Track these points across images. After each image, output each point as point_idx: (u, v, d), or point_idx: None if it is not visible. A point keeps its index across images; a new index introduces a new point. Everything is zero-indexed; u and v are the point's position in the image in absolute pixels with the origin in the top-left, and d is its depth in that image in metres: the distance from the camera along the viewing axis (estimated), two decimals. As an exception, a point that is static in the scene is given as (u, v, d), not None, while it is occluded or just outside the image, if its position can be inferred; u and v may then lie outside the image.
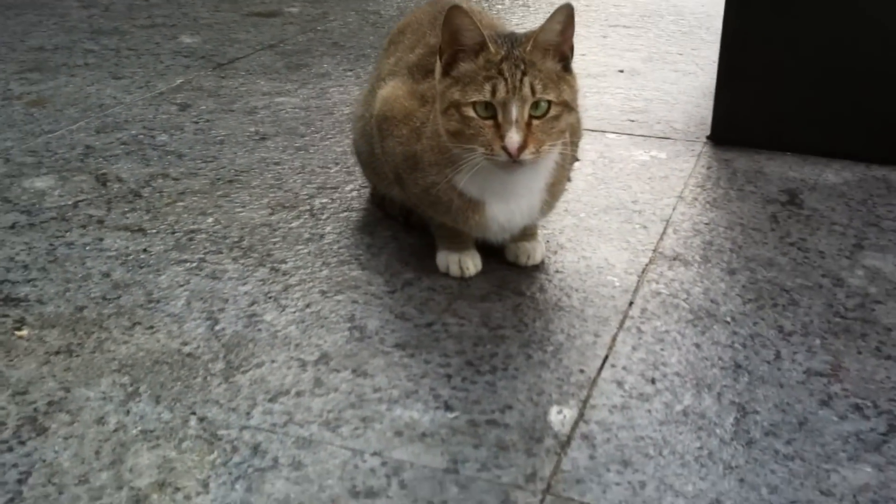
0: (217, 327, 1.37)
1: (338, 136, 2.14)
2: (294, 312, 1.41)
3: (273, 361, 1.28)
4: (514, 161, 1.30)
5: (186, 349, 1.31)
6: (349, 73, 2.61)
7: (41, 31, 3.04)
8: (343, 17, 3.32)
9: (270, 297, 1.45)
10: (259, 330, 1.36)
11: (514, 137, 1.29)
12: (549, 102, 1.32)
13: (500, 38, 1.35)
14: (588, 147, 2.08)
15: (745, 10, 2.04)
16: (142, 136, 2.12)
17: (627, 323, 1.40)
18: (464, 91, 1.32)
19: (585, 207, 1.78)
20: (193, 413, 1.17)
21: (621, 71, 2.66)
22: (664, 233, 1.69)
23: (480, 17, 1.60)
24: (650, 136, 2.16)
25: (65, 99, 2.37)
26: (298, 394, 1.21)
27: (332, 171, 1.94)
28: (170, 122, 2.22)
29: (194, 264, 1.55)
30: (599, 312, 1.43)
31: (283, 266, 1.55)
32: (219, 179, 1.89)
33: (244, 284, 1.49)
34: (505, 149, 1.30)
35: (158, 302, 1.44)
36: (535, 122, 1.32)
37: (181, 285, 1.48)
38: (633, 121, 2.26)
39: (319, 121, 2.24)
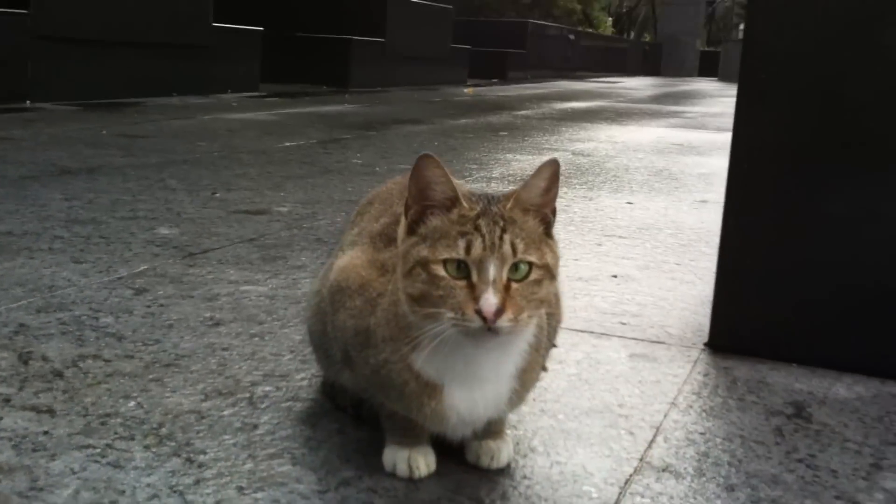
0: (101, 524, 1.12)
1: (300, 325, 1.95)
2: (199, 512, 1.16)
3: (157, 569, 1.03)
4: (488, 329, 1.11)
5: (55, 549, 1.06)
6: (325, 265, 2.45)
7: (15, 218, 2.93)
8: (332, 216, 3.22)
9: (176, 492, 1.21)
10: (151, 530, 1.12)
11: (490, 300, 1.10)
12: (531, 265, 1.15)
13: (475, 196, 1.20)
14: (573, 348, 1.88)
15: (745, 214, 1.90)
16: (84, 318, 1.94)
17: (603, 542, 1.15)
18: (433, 248, 1.15)
19: (565, 409, 1.56)
20: None
21: (615, 276, 2.50)
22: (653, 440, 1.46)
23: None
24: (642, 340, 1.97)
25: (14, 279, 2.21)
26: None
27: (284, 358, 1.74)
28: (120, 305, 2.04)
29: (97, 451, 1.32)
30: (570, 527, 1.18)
31: (201, 457, 1.32)
32: (155, 363, 1.69)
33: (149, 476, 1.25)
34: (479, 312, 1.10)
35: (41, 490, 1.20)
36: (515, 285, 1.14)
37: (74, 472, 1.25)
38: (624, 324, 2.07)
39: (284, 309, 2.06)
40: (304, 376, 1.65)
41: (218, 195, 3.53)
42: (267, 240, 2.78)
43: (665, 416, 1.56)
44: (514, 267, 1.14)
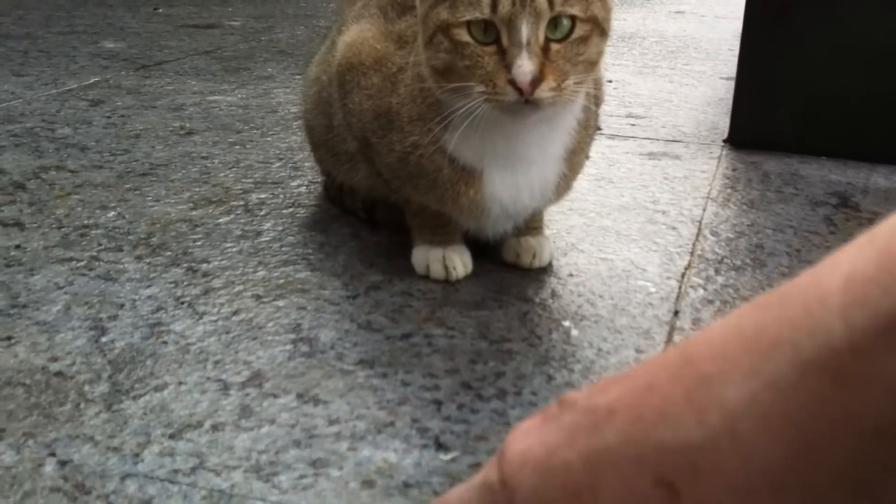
0: (103, 339, 0.95)
1: (282, 134, 1.75)
2: (216, 321, 1.00)
3: (181, 383, 0.87)
4: (526, 101, 0.93)
5: (55, 367, 0.89)
6: (298, 77, 2.23)
7: (-61, 35, 2.62)
8: (291, 29, 2.96)
9: (183, 303, 1.04)
10: (164, 343, 0.95)
11: (524, 66, 0.91)
12: (574, 18, 0.95)
13: None
14: (587, 146, 1.72)
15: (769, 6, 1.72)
16: (38, 129, 1.71)
17: (676, 337, 1.02)
18: (454, 7, 0.95)
19: (595, 207, 1.41)
20: (52, 454, 0.76)
21: (610, 81, 2.32)
22: (699, 234, 1.32)
23: None
24: (657, 139, 1.81)
25: (-50, 93, 1.96)
26: (215, 427, 0.80)
27: (273, 166, 1.55)
28: (76, 116, 1.81)
29: (82, 263, 1.14)
30: (637, 323, 1.05)
31: (205, 266, 1.14)
32: (128, 172, 1.49)
33: (148, 287, 1.08)
34: (513, 82, 0.92)
35: (25, 307, 1.02)
36: (556, 45, 0.94)
37: (60, 287, 1.07)
38: (634, 125, 1.91)
39: (260, 118, 1.85)
40: (301, 183, 1.47)
41: (160, 10, 3.23)
42: (225, 52, 2.54)
43: (704, 210, 1.42)
44: (553, 23, 0.94)
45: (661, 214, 1.40)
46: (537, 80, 0.92)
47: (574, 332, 1.01)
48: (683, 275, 1.19)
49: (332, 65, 1.19)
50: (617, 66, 2.53)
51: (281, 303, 1.05)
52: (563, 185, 1.11)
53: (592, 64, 0.99)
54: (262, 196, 1.40)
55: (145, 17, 3.09)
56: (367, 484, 0.73)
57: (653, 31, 3.16)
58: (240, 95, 2.04)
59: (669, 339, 1.01)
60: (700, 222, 1.37)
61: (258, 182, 1.46)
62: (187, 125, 1.78)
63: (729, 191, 1.52)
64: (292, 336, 0.97)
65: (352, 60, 1.13)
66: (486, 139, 1.01)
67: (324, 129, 1.26)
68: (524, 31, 0.92)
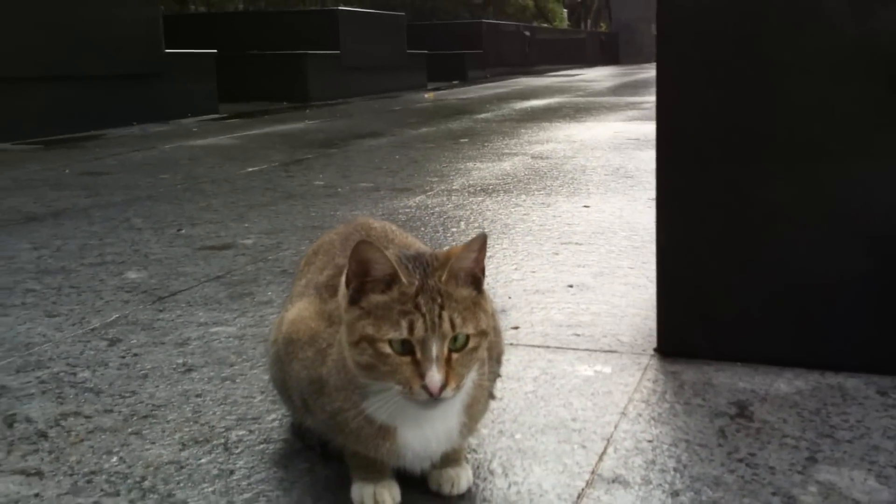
0: (93, 582, 1.21)
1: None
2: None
3: None
4: (435, 400, 1.22)
5: None
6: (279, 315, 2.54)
7: (-14, 273, 3.00)
8: (297, 245, 3.31)
9: (161, 544, 1.30)
10: (140, 583, 1.21)
11: (435, 377, 1.21)
12: (468, 336, 1.25)
13: (411, 264, 1.29)
14: (530, 364, 1.99)
15: (678, 215, 2.01)
16: (62, 374, 2.02)
17: (557, 556, 1.26)
18: (378, 326, 1.25)
19: (521, 428, 1.67)
20: None
21: (570, 286, 2.61)
22: (604, 452, 1.57)
23: (385, 232, 1.55)
24: (595, 351, 2.07)
25: (-8, 338, 2.29)
26: None
27: (255, 400, 1.83)
28: (95, 358, 2.12)
29: (85, 510, 1.41)
30: (526, 546, 1.28)
31: (182, 508, 1.41)
32: (133, 415, 1.78)
33: (135, 530, 1.35)
34: (426, 388, 1.21)
35: (34, 555, 1.29)
36: (455, 355, 1.25)
37: (64, 534, 1.34)
38: (578, 335, 2.18)
39: (252, 349, 2.15)
40: (275, 417, 1.74)
41: (183, 231, 3.61)
42: (234, 276, 2.87)
43: (615, 427, 1.67)
44: (454, 339, 1.25)
45: (577, 434, 1.64)
46: (444, 385, 1.22)
47: (471, 557, 1.25)
48: (580, 495, 1.43)
49: (279, 337, 1.49)
50: (581, 267, 2.82)
51: (238, 541, 1.31)
52: (466, 431, 1.37)
53: (482, 361, 1.30)
54: (241, 433, 1.68)
55: (169, 240, 3.46)
56: None
57: (626, 225, 3.47)
58: (239, 325, 2.35)
59: (549, 559, 1.25)
60: (609, 439, 1.62)
61: (240, 419, 1.74)
62: (189, 361, 2.08)
63: (643, 405, 1.77)
64: (242, 572, 1.22)
65: (292, 336, 1.43)
66: (398, 407, 1.29)
67: (281, 381, 1.54)
68: (434, 349, 1.23)
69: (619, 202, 3.97)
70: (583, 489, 1.44)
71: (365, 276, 1.27)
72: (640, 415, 1.72)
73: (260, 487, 1.47)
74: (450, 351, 1.24)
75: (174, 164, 5.73)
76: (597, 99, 11.26)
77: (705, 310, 2.01)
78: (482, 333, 1.27)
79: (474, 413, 1.37)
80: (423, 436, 1.33)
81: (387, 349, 1.23)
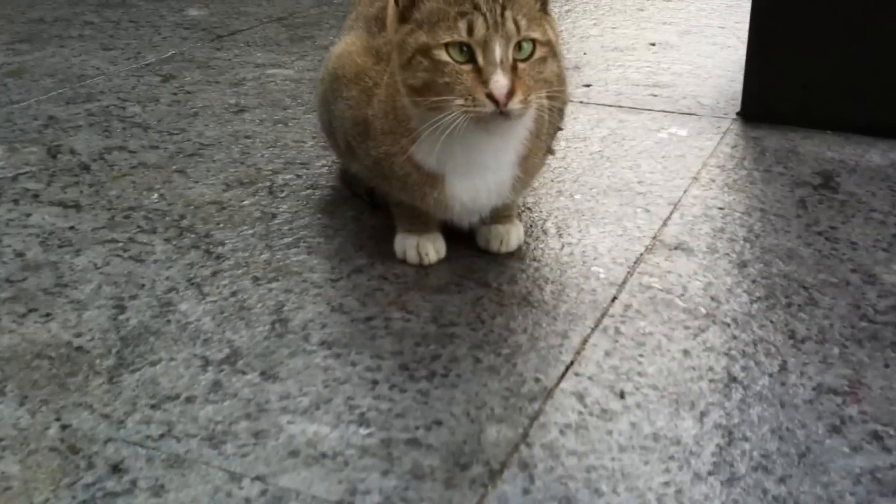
0: (121, 317, 1.18)
1: (324, 109, 1.94)
2: (215, 301, 1.21)
3: (172, 359, 1.09)
4: (500, 112, 1.08)
5: (77, 342, 1.12)
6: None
7: (46, 4, 2.90)
8: (364, -11, 3.12)
9: (193, 284, 1.26)
10: (168, 321, 1.17)
11: (501, 81, 1.07)
12: (535, 42, 1.10)
13: None
14: (599, 124, 1.85)
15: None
16: (112, 108, 1.95)
17: (605, 322, 1.17)
18: (433, 32, 1.10)
19: (582, 188, 1.55)
20: (58, 419, 0.98)
21: (653, 44, 2.41)
22: (669, 218, 1.45)
23: None
24: (672, 112, 1.92)
25: (45, 69, 2.21)
26: (188, 399, 1.01)
27: (306, 145, 1.74)
28: (147, 93, 2.04)
29: (120, 244, 1.37)
30: (574, 309, 1.20)
31: (220, 249, 1.35)
32: (179, 153, 1.71)
33: (169, 268, 1.30)
34: (490, 96, 1.07)
35: (66, 286, 1.25)
36: (521, 65, 1.10)
37: (97, 268, 1.30)
38: (655, 95, 2.02)
39: (308, 93, 2.04)
40: (324, 163, 1.65)
41: (250, -30, 3.43)
42: (296, 18, 2.72)
43: (685, 191, 1.54)
44: (518, 46, 1.10)
45: (642, 196, 1.53)
46: (511, 93, 1.08)
47: (517, 317, 1.18)
48: (637, 261, 1.33)
49: (325, 75, 1.37)
50: (667, 24, 2.60)
51: (273, 285, 1.25)
52: (520, 186, 1.26)
53: (549, 83, 1.15)
54: (288, 177, 1.60)
55: (233, -23, 3.29)
56: (293, 454, 0.93)
57: (721, -19, 3.17)
58: (297, 67, 2.23)
59: (596, 326, 1.17)
60: (675, 204, 1.50)
61: (288, 162, 1.66)
62: (241, 102, 1.98)
63: (718, 171, 1.63)
64: (273, 317, 1.17)
65: (337, 72, 1.31)
66: (447, 149, 1.17)
67: (327, 122, 1.44)
68: (498, 51, 1.08)
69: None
70: (641, 254, 1.34)
71: None
72: (713, 180, 1.59)
73: (301, 233, 1.40)
74: (515, 60, 1.10)
75: None
76: None
77: (797, 70, 1.81)
78: (550, 45, 1.12)
79: (529, 166, 1.25)
80: (473, 186, 1.22)
81: (444, 56, 1.09)
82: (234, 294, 1.23)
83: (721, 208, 1.49)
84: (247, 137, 1.78)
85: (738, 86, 2.03)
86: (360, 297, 1.22)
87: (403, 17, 1.14)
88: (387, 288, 1.25)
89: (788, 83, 1.83)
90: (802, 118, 1.82)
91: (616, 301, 1.22)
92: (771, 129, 1.82)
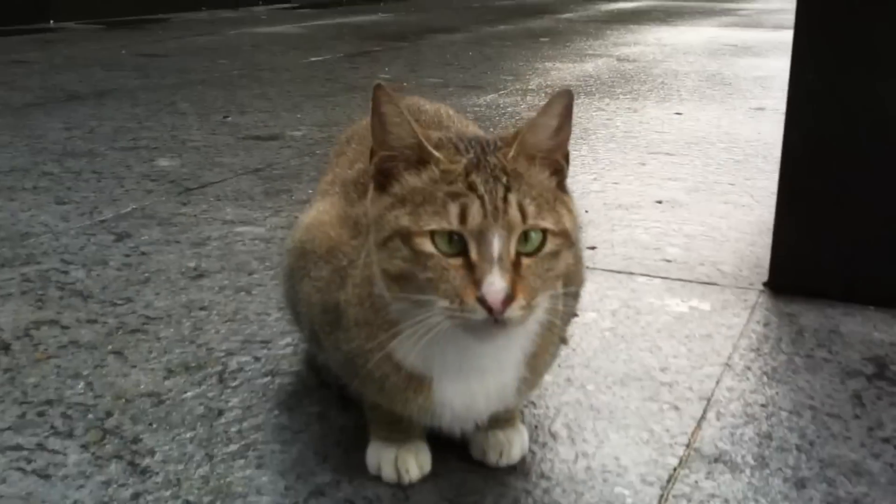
0: (4, 563, 0.90)
1: (294, 275, 1.70)
2: (131, 539, 0.93)
3: None
4: (495, 321, 0.84)
5: None
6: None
7: (6, 152, 2.70)
8: (348, 140, 2.94)
9: (107, 512, 0.98)
10: (64, 570, 0.89)
11: (497, 284, 0.84)
12: (546, 232, 0.87)
13: (463, 143, 0.91)
14: (609, 293, 1.61)
15: (814, 110, 1.58)
16: (52, 272, 1.71)
17: (638, 571, 0.90)
18: (416, 215, 0.88)
19: (596, 376, 1.30)
20: None
21: (659, 202, 2.21)
22: (703, 418, 1.20)
23: (438, 116, 1.18)
24: (690, 282, 1.69)
25: (-14, 225, 1.99)
26: None
27: (270, 318, 1.50)
28: (96, 254, 1.81)
29: (25, 454, 1.10)
30: (596, 551, 0.93)
31: (147, 460, 1.08)
32: (119, 328, 1.46)
33: (80, 488, 1.03)
34: (483, 301, 0.84)
35: (-56, 514, 0.98)
36: (526, 260, 0.87)
37: (-12, 487, 1.03)
38: (669, 261, 1.79)
39: (279, 255, 1.81)
40: (289, 342, 1.41)
41: (230, 119, 3.27)
42: (274, 170, 2.53)
43: (717, 382, 1.30)
44: (525, 236, 0.87)
45: (667, 388, 1.28)
46: (510, 299, 0.84)
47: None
48: (670, 478, 1.06)
49: (291, 243, 1.13)
50: (673, 181, 2.41)
51: (209, 514, 0.98)
52: (525, 388, 1.01)
53: (559, 278, 0.91)
54: (244, 360, 1.34)
55: (212, 127, 3.13)
56: None
57: (724, 135, 3.02)
58: (269, 225, 2.01)
59: (627, 576, 0.90)
60: (709, 400, 1.25)
61: (246, 341, 1.41)
62: (202, 265, 1.75)
63: (753, 355, 1.39)
64: (204, 564, 0.90)
65: (305, 246, 1.08)
66: (436, 348, 0.92)
67: (292, 301, 1.19)
68: (496, 244, 0.85)
69: (716, 111, 3.51)
70: (675, 469, 1.08)
71: (386, 148, 0.90)
72: (748, 368, 1.35)
73: (252, 437, 1.13)
74: (519, 254, 0.86)
75: (235, 51, 5.37)
76: (689, 3, 10.54)
77: (835, 236, 1.60)
78: (565, 235, 0.89)
79: (538, 365, 1.01)
80: (468, 391, 0.97)
81: (428, 247, 0.86)
82: (157, 527, 0.95)
83: (763, 405, 1.24)
84: (202, 309, 1.53)
85: (761, 251, 1.82)
86: (320, 533, 0.95)
87: (381, 186, 0.92)
88: (355, 518, 0.98)
89: (825, 249, 1.60)
90: (841, 291, 1.59)
91: (648, 539, 0.95)
92: (805, 303, 1.59)
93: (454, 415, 0.98)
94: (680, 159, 2.67)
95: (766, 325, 1.51)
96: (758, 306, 1.58)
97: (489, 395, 0.98)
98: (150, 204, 2.17)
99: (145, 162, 2.60)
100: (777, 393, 1.27)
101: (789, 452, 1.12)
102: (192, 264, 1.75)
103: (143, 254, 1.81)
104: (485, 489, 1.03)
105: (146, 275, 1.69)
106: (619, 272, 1.73)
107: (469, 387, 0.97)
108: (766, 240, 1.88)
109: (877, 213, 1.56)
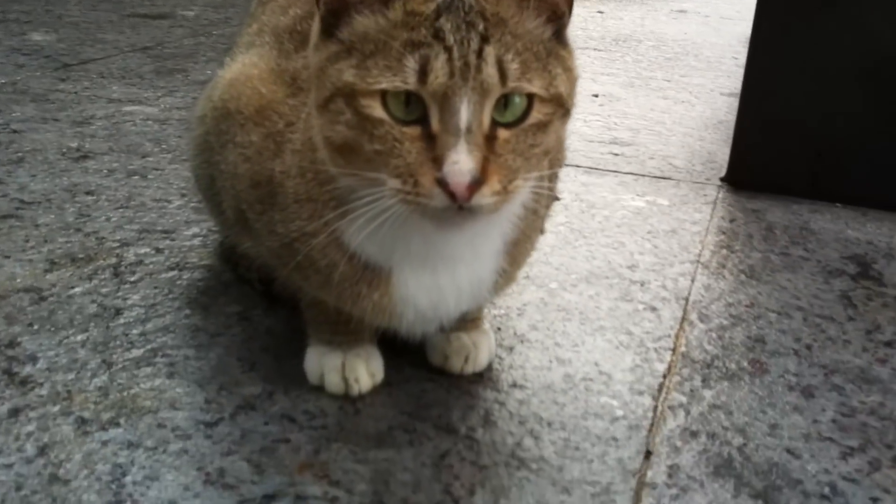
0: None
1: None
2: (10, 465, 0.72)
3: None
4: (460, 208, 0.65)
5: None
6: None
7: None
8: (247, 23, 2.67)
9: (-25, 434, 0.77)
10: (-82, 509, 0.68)
11: (463, 163, 0.64)
12: (532, 98, 0.67)
13: None
14: (559, 185, 1.44)
15: (778, 9, 1.43)
16: None
17: (646, 498, 0.75)
18: (363, 68, 0.67)
19: (557, 274, 1.14)
20: None
21: (595, 96, 2.04)
22: (685, 319, 1.05)
23: None
24: (643, 175, 1.53)
25: None
26: None
27: (171, 206, 1.27)
28: (-43, 130, 1.53)
29: None
30: (592, 473, 0.77)
31: (29, 368, 0.87)
32: (-13, 213, 1.21)
33: (-63, 403, 0.80)
34: (443, 184, 0.64)
35: None
36: (504, 133, 0.66)
37: None
38: (616, 154, 1.63)
39: (177, 137, 1.57)
40: (197, 231, 1.19)
41: (112, -4, 2.94)
42: (165, 48, 2.25)
43: (693, 281, 1.15)
44: (504, 102, 0.67)
45: (639, 287, 1.12)
46: (478, 182, 0.64)
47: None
48: (661, 386, 0.91)
49: (208, 111, 0.91)
50: (606, 75, 2.25)
51: (110, 433, 0.78)
52: (503, 282, 0.83)
53: (548, 155, 0.72)
54: (142, 252, 1.12)
55: (92, 3, 2.80)
56: None
57: (650, 34, 2.87)
58: (163, 105, 1.76)
59: (637, 501, 0.74)
60: (687, 299, 1.10)
61: (144, 230, 1.19)
62: (86, 145, 1.50)
63: (725, 251, 1.25)
64: (108, 499, 0.70)
65: (228, 106, 0.86)
66: (397, 232, 0.73)
67: (208, 180, 0.97)
68: (464, 111, 0.65)
69: (638, 11, 3.37)
70: (664, 376, 0.93)
71: None
72: (722, 265, 1.20)
73: (160, 341, 0.93)
74: (496, 123, 0.67)
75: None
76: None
77: (799, 128, 1.46)
78: (558, 101, 0.69)
79: (519, 255, 0.83)
80: (435, 285, 0.78)
81: (378, 111, 0.66)
82: (42, 452, 0.75)
83: (749, 306, 1.09)
84: (88, 193, 1.30)
85: (711, 146, 1.68)
86: (253, 458, 0.76)
87: (327, 30, 0.70)
88: (295, 438, 0.79)
89: (790, 147, 1.47)
90: (807, 188, 1.46)
91: (652, 458, 0.80)
92: (770, 199, 1.45)
93: (418, 314, 0.79)
94: (609, 55, 2.50)
95: (731, 220, 1.36)
96: (719, 202, 1.43)
97: (460, 290, 0.79)
98: (22, 79, 1.88)
99: (15, 36, 2.29)
100: (759, 293, 1.13)
101: (787, 357, 0.98)
102: (75, 144, 1.50)
103: (15, 132, 1.55)
104: (448, 400, 0.86)
105: (19, 154, 1.44)
106: (567, 164, 1.56)
107: (437, 280, 0.78)
108: (714, 135, 1.76)
109: (841, 103, 1.43)
